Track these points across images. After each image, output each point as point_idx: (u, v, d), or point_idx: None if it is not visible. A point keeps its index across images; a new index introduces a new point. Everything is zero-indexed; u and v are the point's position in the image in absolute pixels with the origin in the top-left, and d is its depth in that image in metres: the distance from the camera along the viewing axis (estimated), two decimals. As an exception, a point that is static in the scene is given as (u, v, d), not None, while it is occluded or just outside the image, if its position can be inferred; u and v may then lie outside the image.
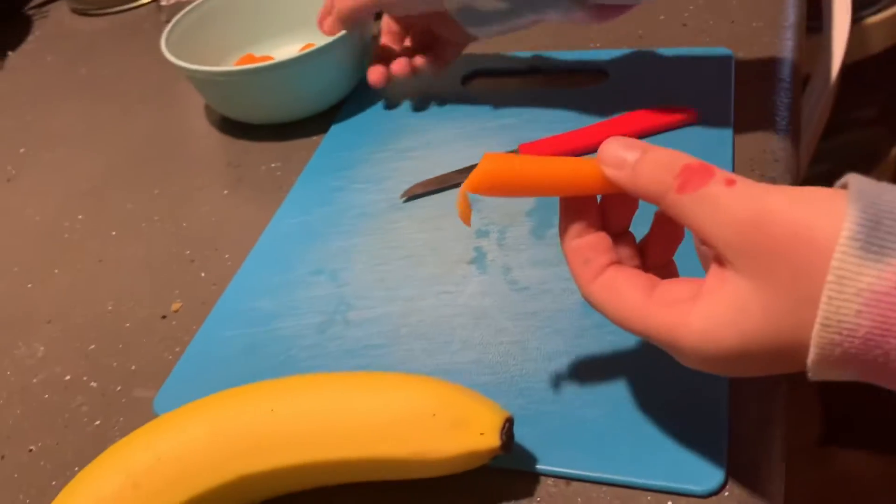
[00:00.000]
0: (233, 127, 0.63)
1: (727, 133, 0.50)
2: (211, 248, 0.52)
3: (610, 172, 0.30)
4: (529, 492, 0.34)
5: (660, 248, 0.33)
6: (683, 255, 0.34)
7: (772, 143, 0.49)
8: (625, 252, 0.32)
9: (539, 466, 0.35)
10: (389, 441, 0.33)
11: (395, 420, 0.33)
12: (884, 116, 1.42)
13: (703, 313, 0.27)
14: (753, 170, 0.47)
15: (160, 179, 0.59)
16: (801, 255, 0.25)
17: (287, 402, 0.34)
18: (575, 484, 0.34)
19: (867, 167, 1.36)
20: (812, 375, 0.26)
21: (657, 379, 0.37)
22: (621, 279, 0.30)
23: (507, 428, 0.33)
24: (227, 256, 0.51)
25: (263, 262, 0.49)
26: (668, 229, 0.32)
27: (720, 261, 0.27)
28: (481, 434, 0.32)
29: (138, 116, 0.68)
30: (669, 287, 0.29)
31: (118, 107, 0.70)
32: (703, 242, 0.28)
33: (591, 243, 0.31)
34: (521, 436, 0.35)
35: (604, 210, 0.32)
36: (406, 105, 0.60)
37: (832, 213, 0.24)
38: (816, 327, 0.24)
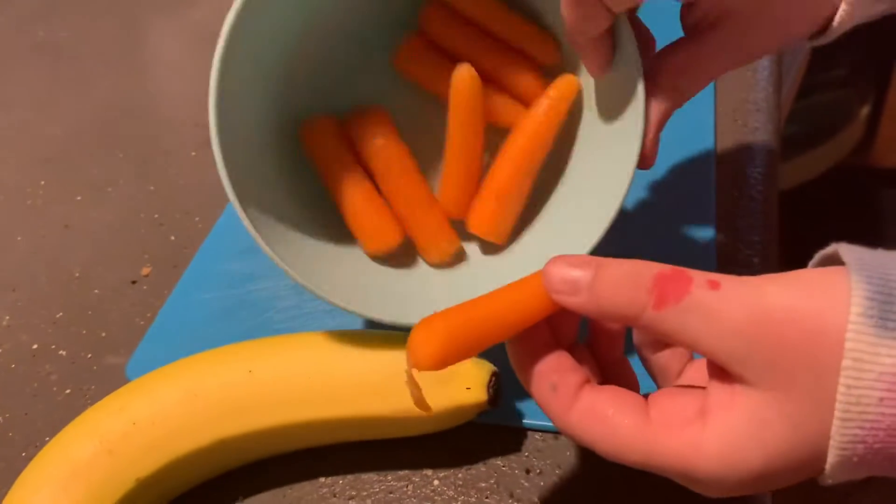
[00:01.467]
0: (197, 88, 0.61)
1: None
2: (181, 210, 0.50)
3: (564, 300, 0.25)
4: (517, 446, 0.34)
5: (605, 346, 0.29)
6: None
7: (754, 94, 0.48)
8: (586, 367, 0.27)
9: (526, 421, 0.34)
10: (372, 398, 0.32)
11: (377, 377, 0.32)
12: (853, 77, 1.43)
13: (718, 434, 0.23)
14: (736, 120, 0.46)
15: (125, 143, 0.57)
16: (814, 348, 0.21)
17: (265, 363, 0.33)
18: (563, 438, 0.34)
19: (837, 128, 1.37)
20: (828, 480, 0.22)
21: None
22: (604, 402, 0.24)
23: (494, 382, 0.32)
24: (197, 219, 0.49)
25: (236, 223, 0.47)
26: (607, 328, 0.28)
27: (722, 374, 0.23)
28: (467, 388, 0.32)
29: (100, 79, 0.65)
30: (666, 404, 0.24)
31: (78, 69, 0.67)
32: (704, 356, 0.24)
33: (552, 366, 0.26)
34: (508, 391, 0.35)
35: (549, 325, 0.27)
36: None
37: (836, 294, 0.21)
38: (836, 423, 0.21)
